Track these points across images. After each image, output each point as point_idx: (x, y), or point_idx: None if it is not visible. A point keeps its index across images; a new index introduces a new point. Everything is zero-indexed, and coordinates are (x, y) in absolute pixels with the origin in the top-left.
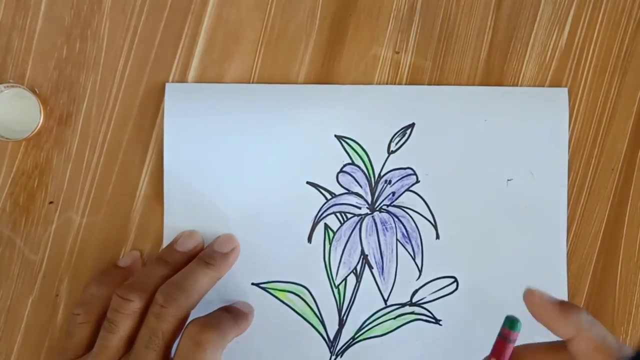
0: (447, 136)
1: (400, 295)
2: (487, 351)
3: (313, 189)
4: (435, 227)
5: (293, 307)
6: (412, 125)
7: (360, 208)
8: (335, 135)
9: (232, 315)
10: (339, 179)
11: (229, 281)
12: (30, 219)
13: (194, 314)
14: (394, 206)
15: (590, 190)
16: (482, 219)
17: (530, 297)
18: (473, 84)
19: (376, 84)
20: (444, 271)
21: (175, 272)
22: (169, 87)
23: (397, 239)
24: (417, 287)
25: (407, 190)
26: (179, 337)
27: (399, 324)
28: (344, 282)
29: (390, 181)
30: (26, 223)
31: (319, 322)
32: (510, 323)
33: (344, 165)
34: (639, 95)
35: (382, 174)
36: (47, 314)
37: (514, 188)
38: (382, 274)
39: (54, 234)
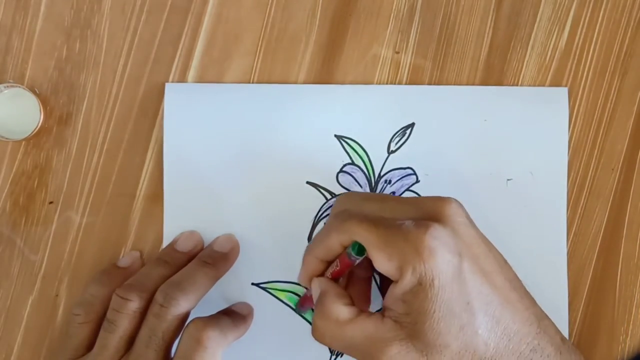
0: (447, 136)
1: None
2: None
3: (313, 189)
4: None
5: (293, 307)
6: (412, 125)
7: None
8: (335, 135)
9: (231, 318)
10: (339, 179)
11: (229, 281)
12: (30, 219)
13: (193, 314)
14: None
15: (590, 190)
16: (481, 219)
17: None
18: (473, 84)
19: (376, 84)
20: None
21: (175, 272)
22: (168, 87)
23: None
24: None
25: (407, 190)
26: (179, 336)
27: None
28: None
29: (390, 181)
30: (26, 223)
31: None
32: (359, 249)
33: (344, 165)
34: (639, 95)
35: (382, 173)
36: (47, 314)
37: (514, 188)
38: None
39: (54, 234)
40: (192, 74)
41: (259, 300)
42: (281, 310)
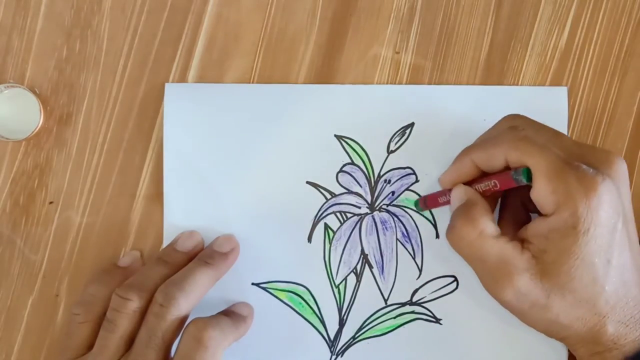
0: (447, 136)
1: (401, 294)
2: (487, 351)
3: (313, 188)
4: (435, 226)
5: (293, 307)
6: (411, 125)
7: (360, 208)
8: (335, 135)
9: (231, 319)
10: (339, 179)
11: (229, 281)
12: (30, 219)
13: (193, 314)
14: (394, 205)
15: None
16: None
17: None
18: (473, 84)
19: (376, 84)
20: (444, 270)
21: (175, 272)
22: (168, 87)
23: (397, 239)
24: (417, 287)
25: (407, 189)
26: (179, 336)
27: (399, 324)
28: (344, 282)
29: (389, 181)
30: (26, 223)
31: (319, 322)
32: (529, 175)
33: (344, 165)
34: (639, 95)
35: (381, 173)
36: (47, 314)
37: None
38: (382, 273)
39: (54, 234)
40: (192, 74)
41: (259, 300)
42: (281, 310)
